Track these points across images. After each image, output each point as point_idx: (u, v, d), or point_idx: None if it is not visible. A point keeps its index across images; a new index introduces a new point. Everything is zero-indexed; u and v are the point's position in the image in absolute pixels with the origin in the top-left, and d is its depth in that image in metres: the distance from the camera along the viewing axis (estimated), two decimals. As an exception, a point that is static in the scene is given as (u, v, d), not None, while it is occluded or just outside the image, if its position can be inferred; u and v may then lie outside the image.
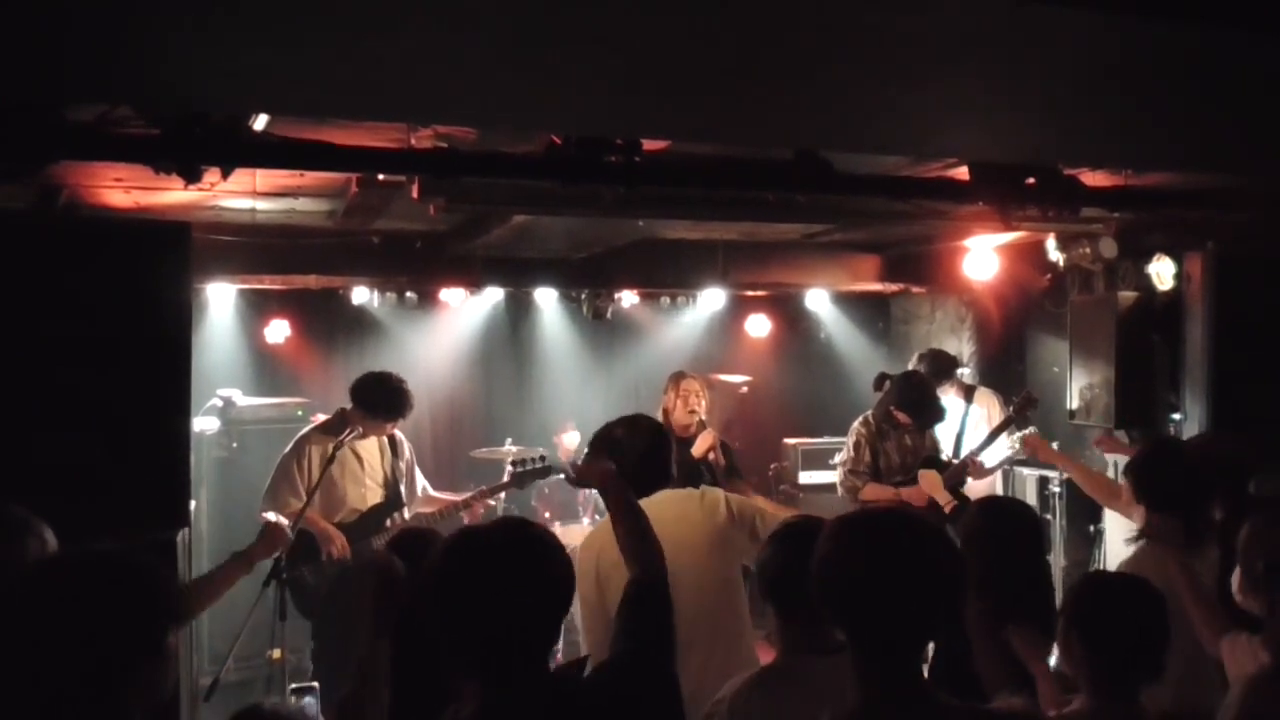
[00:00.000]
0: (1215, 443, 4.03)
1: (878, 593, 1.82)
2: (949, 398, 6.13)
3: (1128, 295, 5.93)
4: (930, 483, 5.35)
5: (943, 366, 6.29)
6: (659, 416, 5.67)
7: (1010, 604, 2.92)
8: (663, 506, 2.96)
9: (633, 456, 3.14)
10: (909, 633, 1.85)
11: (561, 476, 7.47)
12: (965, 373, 7.24)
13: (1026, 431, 5.64)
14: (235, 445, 6.59)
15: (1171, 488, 3.37)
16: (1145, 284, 5.86)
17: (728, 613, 3.04)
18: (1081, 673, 2.36)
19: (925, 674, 2.27)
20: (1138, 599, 2.37)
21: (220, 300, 7.06)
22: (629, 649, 2.12)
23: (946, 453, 5.88)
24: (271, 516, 5.21)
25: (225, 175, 3.61)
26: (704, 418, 5.38)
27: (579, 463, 3.01)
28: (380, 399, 5.19)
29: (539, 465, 5.88)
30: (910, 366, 6.29)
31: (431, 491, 5.67)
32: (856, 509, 2.06)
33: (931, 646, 3.08)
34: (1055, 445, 6.49)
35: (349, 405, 5.25)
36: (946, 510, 5.17)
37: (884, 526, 1.91)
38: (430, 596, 1.86)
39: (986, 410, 6.40)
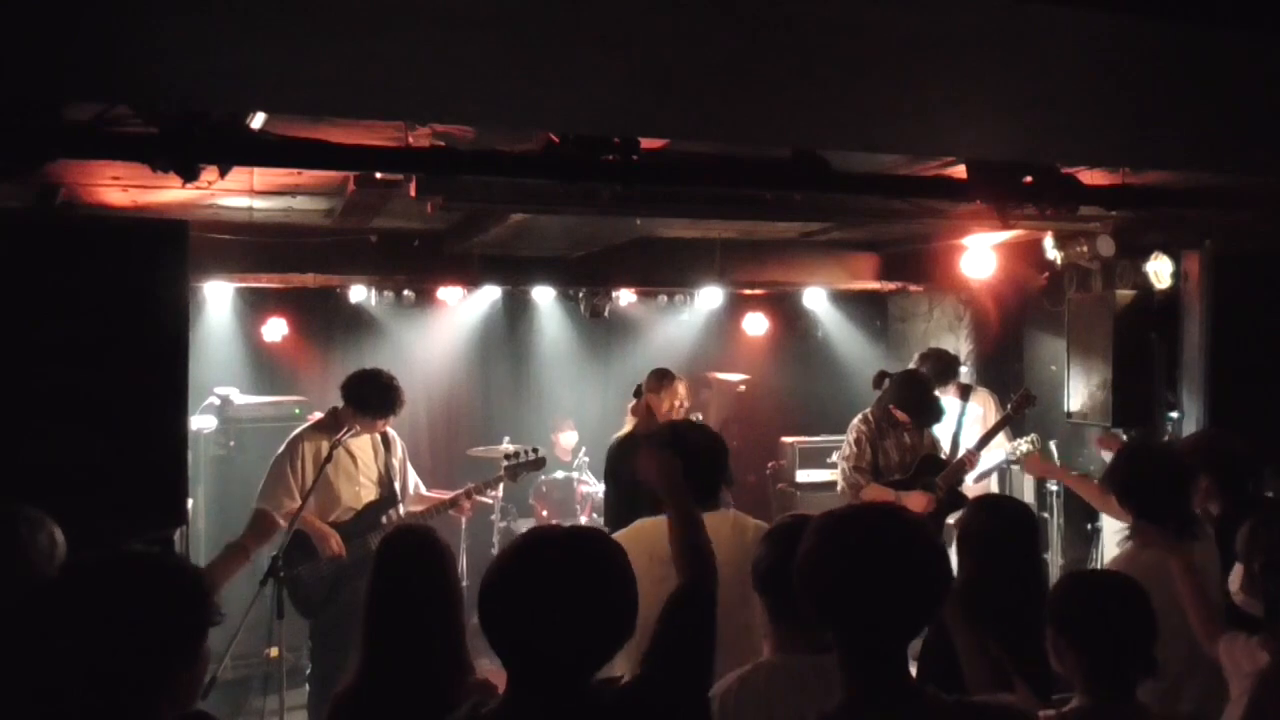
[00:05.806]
0: (1207, 440, 4.02)
1: (859, 590, 1.82)
2: (946, 397, 6.13)
3: (1125, 294, 5.95)
4: (916, 504, 5.32)
5: (945, 367, 6.29)
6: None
7: (1005, 603, 2.92)
8: None
9: (695, 462, 2.90)
10: (892, 629, 1.84)
11: (559, 474, 7.50)
12: (963, 371, 7.24)
13: (1026, 450, 5.67)
14: (233, 444, 6.58)
15: (1150, 490, 3.37)
16: (1143, 282, 5.88)
17: (745, 632, 3.04)
18: (1074, 673, 2.36)
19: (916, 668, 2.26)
20: (1119, 595, 2.37)
21: (218, 298, 7.05)
22: (664, 668, 2.04)
23: (944, 452, 5.88)
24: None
25: (223, 174, 3.61)
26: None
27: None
28: (371, 396, 5.18)
29: (531, 458, 5.91)
30: (912, 366, 6.29)
31: (424, 490, 5.67)
32: (842, 506, 2.05)
33: (922, 642, 3.09)
34: (1053, 443, 6.52)
35: (341, 404, 5.24)
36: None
37: (866, 524, 1.90)
38: (491, 593, 1.79)
39: (983, 410, 6.41)
